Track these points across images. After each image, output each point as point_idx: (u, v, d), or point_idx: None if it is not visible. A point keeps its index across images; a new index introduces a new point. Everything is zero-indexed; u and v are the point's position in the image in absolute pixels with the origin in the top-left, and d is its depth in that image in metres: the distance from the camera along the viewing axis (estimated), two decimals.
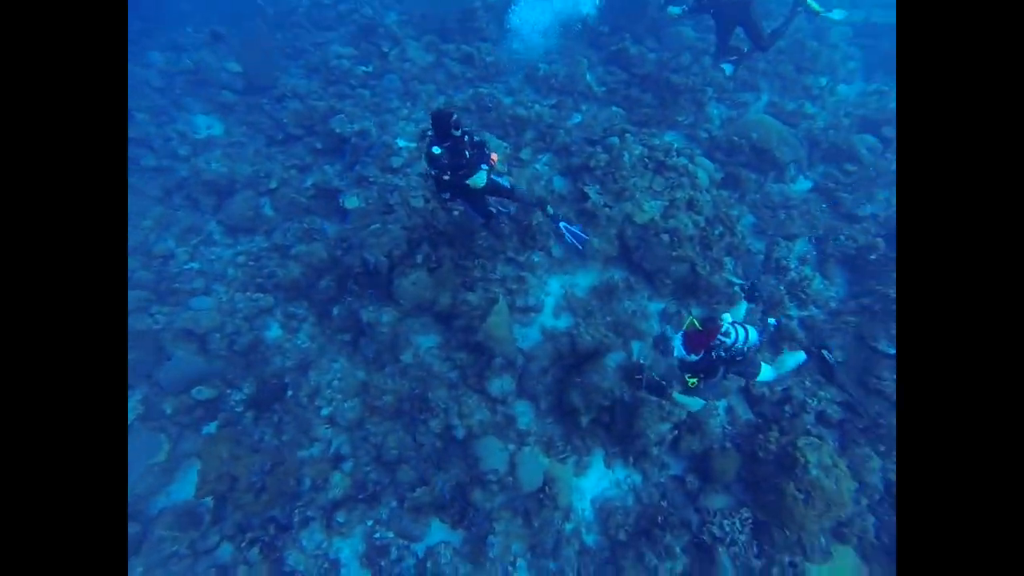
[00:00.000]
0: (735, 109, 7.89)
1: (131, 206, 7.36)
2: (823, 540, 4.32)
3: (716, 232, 5.87)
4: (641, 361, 4.13)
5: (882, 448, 4.87)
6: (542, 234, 5.92)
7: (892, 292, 5.56)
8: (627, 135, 6.21)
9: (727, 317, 3.70)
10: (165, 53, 9.27)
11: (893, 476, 4.67)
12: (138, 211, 7.23)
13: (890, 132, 7.14)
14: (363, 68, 8.59)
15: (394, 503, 5.02)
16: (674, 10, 6.17)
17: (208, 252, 7.06)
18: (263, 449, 5.48)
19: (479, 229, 5.82)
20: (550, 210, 5.39)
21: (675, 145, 6.43)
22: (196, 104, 8.69)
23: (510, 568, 4.60)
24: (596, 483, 5.06)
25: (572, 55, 8.45)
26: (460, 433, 4.87)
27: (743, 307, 4.27)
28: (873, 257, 6.03)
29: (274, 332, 6.13)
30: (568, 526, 4.80)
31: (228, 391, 5.79)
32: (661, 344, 5.37)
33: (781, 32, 6.29)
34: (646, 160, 6.08)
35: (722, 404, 5.14)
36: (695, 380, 3.65)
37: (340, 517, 4.95)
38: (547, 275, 5.98)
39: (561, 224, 5.45)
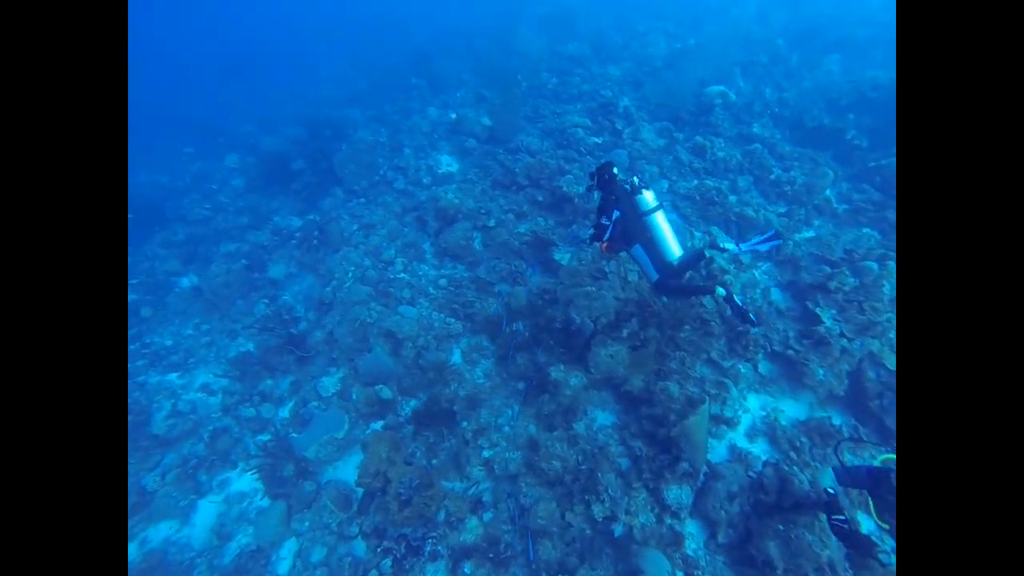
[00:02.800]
0: None
1: (376, 216, 8.71)
2: None
3: None
4: (831, 491, 3.24)
5: None
6: (755, 345, 5.34)
7: None
8: (889, 262, 5.41)
9: None
10: (439, 109, 11.29)
11: None
12: (381, 221, 8.50)
13: None
14: (595, 139, 9.16)
15: (521, 574, 4.68)
16: None
17: (418, 268, 7.90)
18: (414, 463, 5.66)
19: (688, 320, 5.49)
20: (720, 291, 4.33)
21: None
22: (446, 146, 10.16)
23: None
24: None
25: (815, 163, 7.91)
26: (619, 530, 4.40)
27: None
28: None
29: (455, 358, 6.45)
30: None
31: (400, 398, 6.21)
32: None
33: None
34: None
35: None
36: (887, 525, 3.04)
37: (467, 568, 4.77)
38: (748, 390, 5.34)
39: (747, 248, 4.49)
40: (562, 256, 6.92)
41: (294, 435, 6.05)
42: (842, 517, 3.21)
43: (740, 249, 4.45)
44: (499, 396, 5.89)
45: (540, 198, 8.23)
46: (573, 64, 12.41)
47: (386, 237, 8.27)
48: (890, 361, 4.83)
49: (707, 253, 4.88)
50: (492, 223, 7.90)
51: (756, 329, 4.83)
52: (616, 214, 4.51)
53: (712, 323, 5.53)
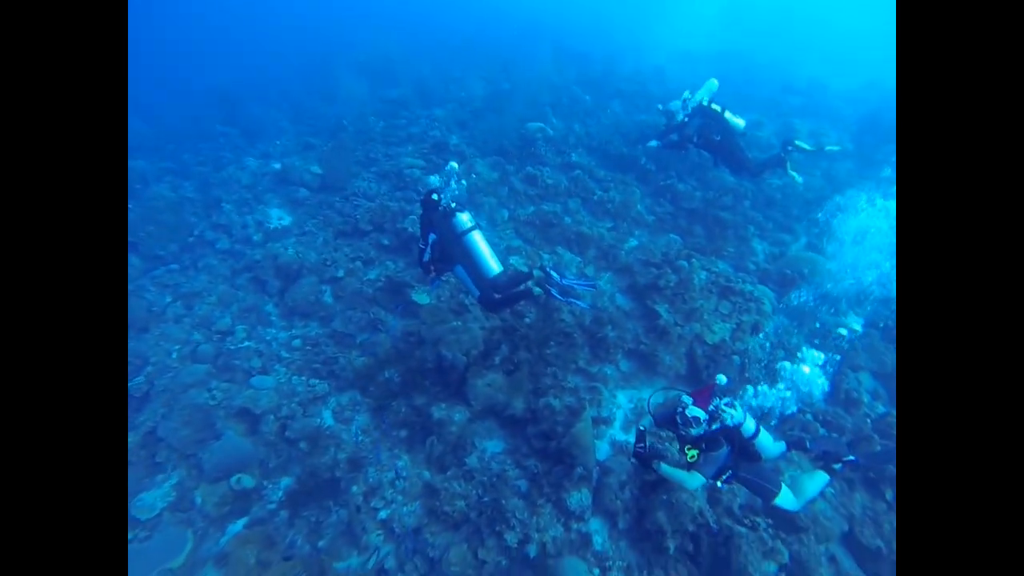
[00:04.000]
0: (777, 247, 8.47)
1: (199, 283, 7.56)
2: None
3: (779, 356, 5.95)
4: (641, 428, 3.85)
5: None
6: (614, 347, 5.98)
7: None
8: (693, 259, 6.60)
9: (738, 402, 3.73)
10: (259, 160, 10.37)
11: None
12: (207, 288, 7.38)
13: None
14: (432, 178, 9.38)
15: None
16: (652, 143, 6.97)
17: (264, 332, 7.05)
18: (295, 556, 4.93)
19: (553, 336, 5.90)
20: (552, 273, 4.69)
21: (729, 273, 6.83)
22: (274, 199, 9.36)
23: None
24: None
25: (625, 184, 9.31)
26: (533, 551, 4.43)
27: (782, 445, 4.06)
28: None
29: (328, 420, 5.87)
30: None
31: (267, 483, 5.40)
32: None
33: (772, 164, 7.01)
34: (711, 284, 6.39)
35: (821, 550, 4.72)
36: (695, 452, 3.53)
37: None
38: (616, 388, 5.93)
39: (564, 284, 4.71)
40: (420, 297, 6.87)
41: None
42: (642, 444, 3.76)
43: (560, 283, 4.70)
44: (383, 450, 5.51)
45: (386, 242, 8.09)
46: (398, 107, 12.62)
47: (217, 304, 7.21)
48: (709, 337, 5.86)
49: (533, 282, 4.89)
50: (341, 273, 7.49)
51: (583, 304, 5.03)
52: (432, 237, 4.65)
53: (574, 335, 6.03)
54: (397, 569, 4.76)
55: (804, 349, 4.71)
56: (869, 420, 5.86)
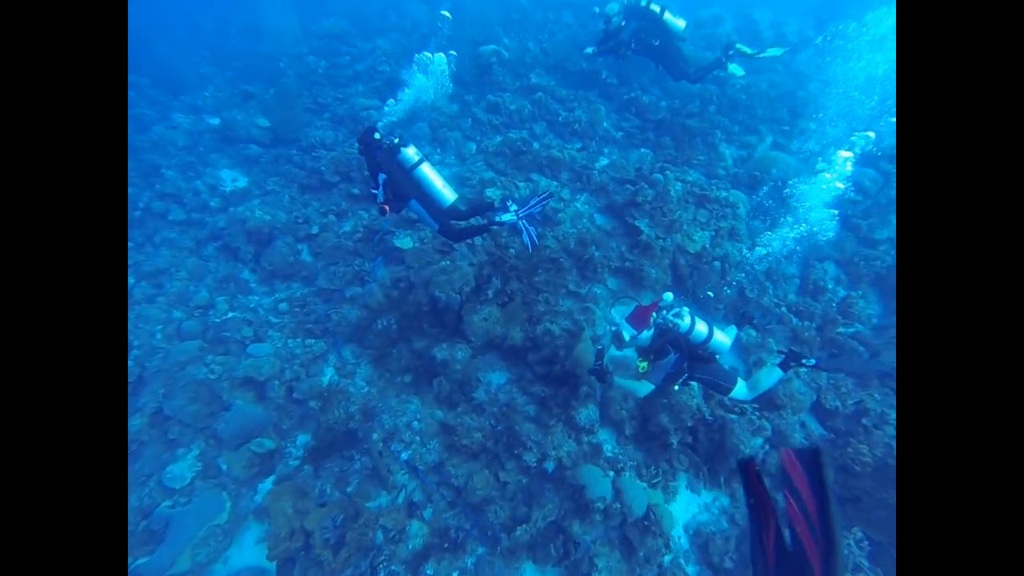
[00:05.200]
0: (744, 149, 8.56)
1: (161, 259, 7.20)
2: None
3: (756, 256, 6.26)
4: (600, 347, 4.08)
5: None
6: (600, 266, 6.13)
7: None
8: (667, 171, 6.64)
9: (686, 310, 3.94)
10: (188, 116, 9.41)
11: None
12: (173, 263, 7.05)
13: (886, 166, 7.92)
14: (391, 118, 8.88)
15: (481, 549, 4.83)
16: (588, 49, 6.78)
17: (246, 301, 6.89)
18: (328, 502, 5.21)
19: (540, 264, 5.99)
20: (510, 204, 4.68)
21: (702, 181, 6.94)
22: (222, 159, 8.72)
23: None
24: (685, 508, 5.03)
25: (589, 102, 9.06)
26: (551, 466, 4.81)
27: (732, 331, 4.34)
28: None
29: (332, 377, 5.96)
30: (666, 557, 4.71)
31: (286, 443, 5.56)
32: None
33: (711, 69, 6.97)
34: (687, 194, 6.50)
35: (795, 420, 5.29)
36: (645, 364, 3.79)
37: (429, 570, 4.71)
38: (606, 306, 6.15)
39: (521, 222, 4.65)
40: (403, 242, 6.77)
41: (142, 560, 4.70)
42: (599, 362, 4.01)
43: (518, 216, 4.64)
44: (391, 397, 5.69)
45: (356, 191, 7.79)
46: (337, 43, 11.58)
47: (189, 279, 6.94)
48: (691, 247, 6.06)
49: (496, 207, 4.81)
50: (315, 230, 7.25)
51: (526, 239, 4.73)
52: (383, 177, 4.60)
53: (560, 260, 6.13)
54: (426, 500, 5.11)
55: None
56: (834, 304, 6.35)
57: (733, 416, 5.07)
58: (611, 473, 4.76)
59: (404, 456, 5.13)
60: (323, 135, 8.74)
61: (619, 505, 4.45)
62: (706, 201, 6.46)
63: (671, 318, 3.77)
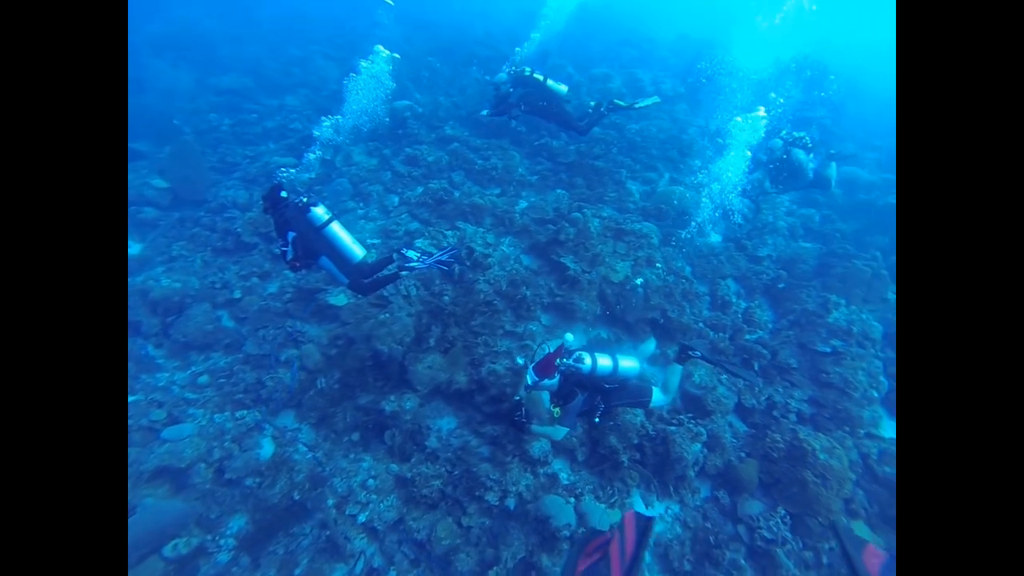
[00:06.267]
0: (647, 184, 9.56)
1: None
2: (845, 520, 5.05)
3: (671, 280, 6.98)
4: (517, 398, 4.25)
5: (847, 428, 5.92)
6: (533, 304, 6.46)
7: (809, 307, 7.03)
8: (584, 209, 7.25)
9: (583, 354, 4.06)
10: None
11: (866, 451, 5.69)
12: None
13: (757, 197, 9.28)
14: (308, 175, 8.80)
15: None
16: (483, 112, 7.57)
17: (154, 380, 6.29)
18: None
19: (476, 308, 6.19)
20: (409, 253, 4.93)
21: (615, 216, 7.65)
22: None
23: None
24: None
25: (503, 149, 9.65)
26: (512, 503, 4.87)
27: (650, 345, 4.76)
28: (782, 286, 7.59)
29: (270, 449, 5.58)
30: None
31: (213, 536, 5.01)
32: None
33: (595, 119, 7.94)
34: (605, 229, 7.12)
35: (724, 421, 5.86)
36: (557, 409, 3.96)
37: None
38: (543, 341, 6.45)
39: (433, 265, 4.88)
40: (337, 299, 6.65)
41: None
42: (519, 413, 4.13)
43: (423, 262, 4.88)
44: (340, 459, 5.45)
45: (278, 251, 7.54)
46: (240, 99, 11.33)
47: None
48: (614, 276, 6.63)
49: (395, 257, 5.05)
50: (238, 294, 6.88)
51: (452, 261, 4.99)
52: (292, 234, 4.70)
53: (495, 302, 6.38)
54: (387, 564, 4.89)
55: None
56: (739, 315, 7.22)
57: (672, 428, 5.51)
58: (572, 500, 4.92)
59: (361, 518, 4.90)
60: (235, 195, 8.42)
61: (583, 530, 4.60)
62: (623, 234, 7.12)
63: (572, 364, 3.94)
